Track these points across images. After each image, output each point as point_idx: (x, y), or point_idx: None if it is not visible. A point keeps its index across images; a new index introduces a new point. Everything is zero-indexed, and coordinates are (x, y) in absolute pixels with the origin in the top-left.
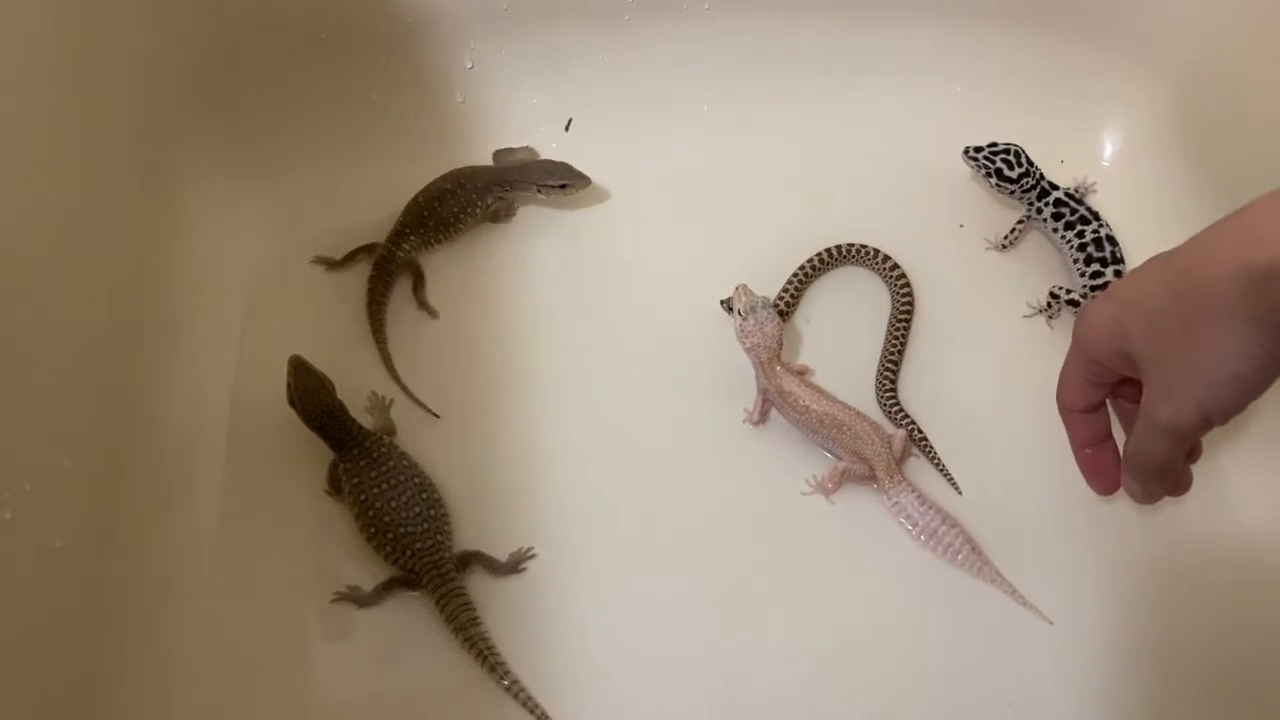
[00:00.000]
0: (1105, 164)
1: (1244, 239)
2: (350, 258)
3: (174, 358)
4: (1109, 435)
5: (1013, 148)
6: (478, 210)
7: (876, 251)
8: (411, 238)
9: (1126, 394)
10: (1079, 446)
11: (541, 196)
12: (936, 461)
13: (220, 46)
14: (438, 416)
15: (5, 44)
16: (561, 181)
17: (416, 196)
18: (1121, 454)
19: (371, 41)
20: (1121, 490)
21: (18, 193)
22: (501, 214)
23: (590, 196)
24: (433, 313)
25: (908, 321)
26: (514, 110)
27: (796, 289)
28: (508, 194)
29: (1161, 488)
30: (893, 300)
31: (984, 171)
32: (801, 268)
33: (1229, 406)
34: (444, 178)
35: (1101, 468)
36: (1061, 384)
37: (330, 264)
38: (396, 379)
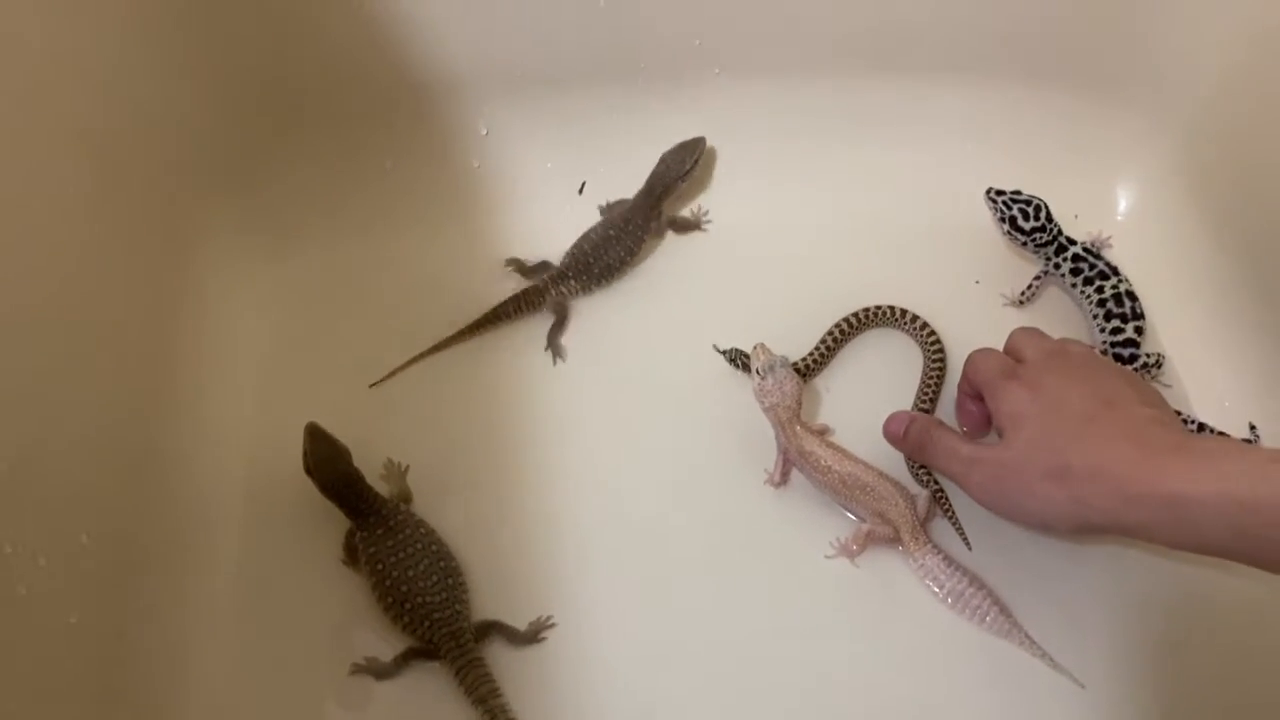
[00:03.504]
0: (1120, 218)
1: (1111, 480)
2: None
3: (190, 429)
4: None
5: (1035, 200)
6: (640, 248)
7: (904, 312)
8: (572, 282)
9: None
10: (963, 394)
11: (684, 185)
12: (951, 517)
13: (235, 119)
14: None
15: (28, 121)
16: (695, 157)
17: (580, 243)
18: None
19: (386, 111)
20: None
21: (38, 267)
22: (663, 229)
23: None
24: (560, 354)
25: (939, 381)
26: (528, 174)
27: (825, 352)
28: (662, 208)
29: (902, 445)
30: (925, 360)
31: (999, 215)
32: (830, 333)
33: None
34: (602, 224)
35: (970, 419)
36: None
37: (521, 269)
38: (418, 358)
